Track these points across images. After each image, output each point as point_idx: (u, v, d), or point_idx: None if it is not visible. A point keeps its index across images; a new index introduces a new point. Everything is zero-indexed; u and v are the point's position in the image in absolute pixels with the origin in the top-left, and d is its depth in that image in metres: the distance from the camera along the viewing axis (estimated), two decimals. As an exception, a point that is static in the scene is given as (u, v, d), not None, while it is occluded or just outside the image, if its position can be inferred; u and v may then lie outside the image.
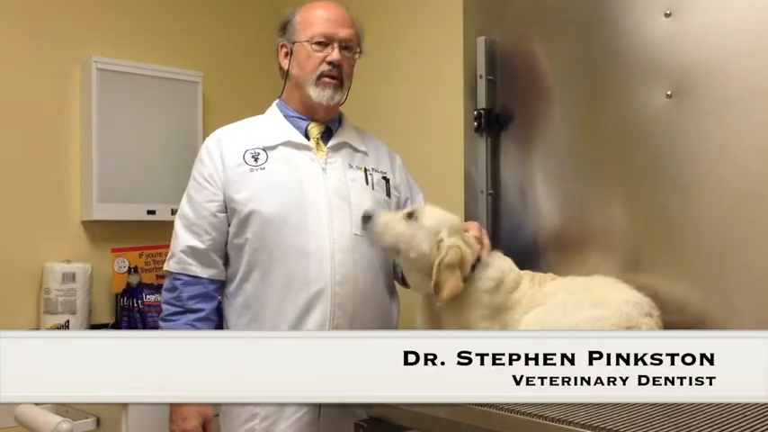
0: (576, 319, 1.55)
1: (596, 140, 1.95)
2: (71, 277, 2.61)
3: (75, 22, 2.80)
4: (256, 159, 1.93)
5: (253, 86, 3.12)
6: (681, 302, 1.72)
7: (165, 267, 1.95)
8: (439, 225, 1.72)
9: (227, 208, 1.92)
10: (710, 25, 1.72)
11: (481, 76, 2.17)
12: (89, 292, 2.67)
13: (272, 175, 1.90)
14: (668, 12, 1.78)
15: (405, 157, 2.20)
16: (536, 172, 2.09)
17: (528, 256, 2.02)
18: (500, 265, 1.76)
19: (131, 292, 2.76)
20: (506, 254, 1.83)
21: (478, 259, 1.73)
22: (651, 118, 1.81)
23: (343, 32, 1.97)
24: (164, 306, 1.93)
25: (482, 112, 2.15)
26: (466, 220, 2.21)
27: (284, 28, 2.03)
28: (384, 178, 2.05)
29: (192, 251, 1.90)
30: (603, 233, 1.92)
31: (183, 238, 1.92)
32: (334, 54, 1.94)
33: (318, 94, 1.95)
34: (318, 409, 1.88)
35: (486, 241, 1.80)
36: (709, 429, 1.23)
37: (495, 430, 1.37)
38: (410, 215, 1.74)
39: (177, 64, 2.97)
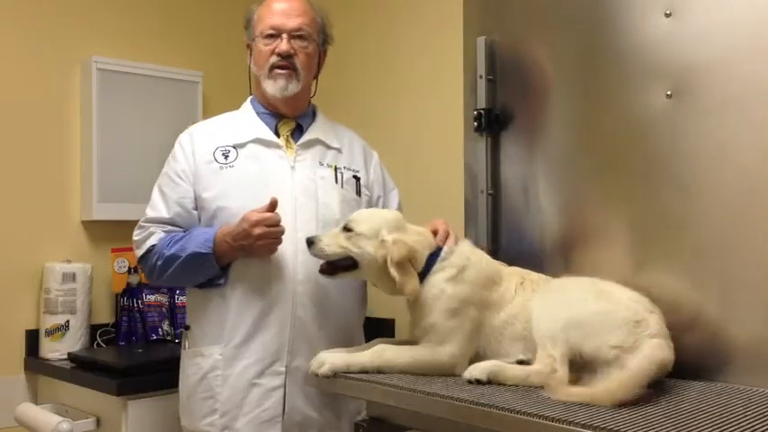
0: (583, 313, 1.54)
1: (596, 140, 1.95)
2: (71, 277, 2.61)
3: (75, 22, 2.80)
4: (226, 157, 1.94)
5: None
6: (681, 302, 1.72)
7: (140, 252, 1.96)
8: (375, 226, 1.71)
9: (197, 205, 1.94)
10: (710, 25, 1.72)
11: (481, 76, 2.17)
12: (89, 292, 2.67)
13: (240, 173, 1.92)
14: (668, 12, 1.78)
15: (405, 156, 2.20)
16: (536, 172, 2.09)
17: (528, 256, 2.02)
18: (463, 251, 1.73)
19: (131, 292, 2.77)
20: (506, 254, 1.83)
21: (438, 250, 1.71)
22: (651, 118, 1.80)
23: (293, 22, 1.96)
24: (160, 264, 1.91)
25: (482, 112, 2.15)
26: (466, 221, 2.22)
27: (247, 26, 2.05)
28: (355, 177, 2.04)
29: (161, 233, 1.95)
30: (603, 233, 1.92)
31: (153, 231, 1.94)
32: (282, 45, 1.94)
33: (272, 87, 1.96)
34: (283, 406, 1.86)
35: (451, 233, 1.77)
36: (709, 429, 1.23)
37: (495, 430, 1.37)
38: (345, 228, 1.73)
39: (177, 64, 2.97)
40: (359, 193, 2.03)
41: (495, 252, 2.04)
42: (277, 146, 1.97)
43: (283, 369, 1.87)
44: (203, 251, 1.84)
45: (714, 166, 1.70)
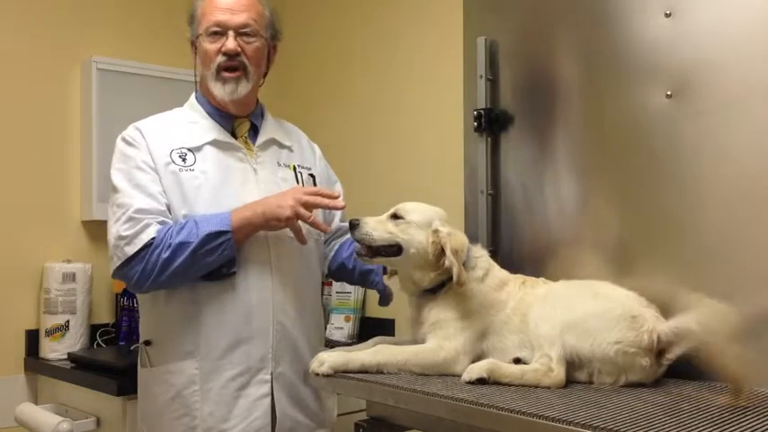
0: (581, 313, 1.56)
1: (596, 140, 1.95)
2: (71, 277, 2.61)
3: (75, 22, 2.80)
4: (184, 160, 1.82)
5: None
6: (680, 302, 1.72)
7: (134, 249, 1.72)
8: (427, 217, 1.73)
9: None
10: (710, 25, 1.72)
11: (481, 76, 2.17)
12: (89, 292, 2.67)
13: (201, 177, 1.81)
14: (668, 12, 1.78)
15: (405, 156, 2.20)
16: (536, 172, 2.09)
17: (527, 256, 2.03)
18: (488, 258, 1.78)
19: (131, 292, 2.76)
20: (506, 254, 1.84)
21: (468, 249, 1.74)
22: (651, 118, 1.81)
23: (238, 18, 1.83)
24: (166, 254, 1.71)
25: (482, 112, 2.15)
26: (466, 221, 2.23)
27: (191, 22, 1.92)
28: (310, 174, 2.01)
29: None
30: (603, 233, 1.92)
31: (149, 223, 1.74)
32: (229, 43, 1.82)
33: (220, 91, 1.86)
34: (272, 414, 1.83)
35: None
36: (709, 429, 1.23)
37: (495, 430, 1.37)
38: (394, 216, 1.74)
39: (177, 64, 2.96)
40: None
41: (494, 252, 2.05)
42: (237, 148, 1.88)
43: (269, 377, 1.82)
44: (220, 229, 1.71)
45: (714, 166, 1.70)
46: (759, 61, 1.63)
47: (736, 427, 1.25)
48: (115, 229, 1.76)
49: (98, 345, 2.74)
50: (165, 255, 1.71)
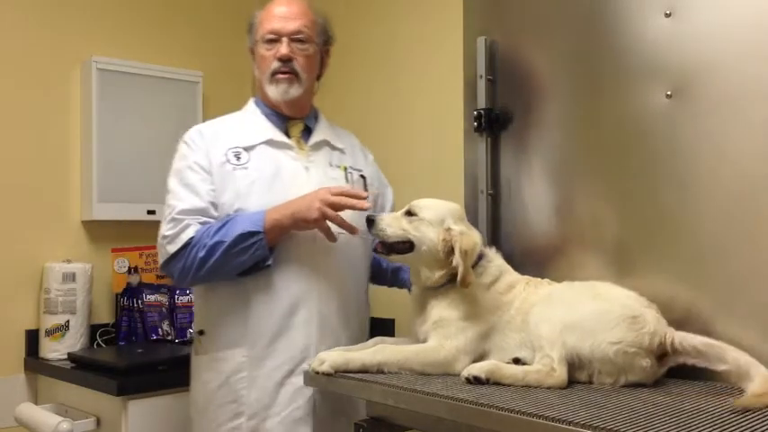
0: (581, 314, 1.57)
1: (596, 141, 1.95)
2: (71, 277, 2.61)
3: (75, 22, 2.81)
4: (239, 158, 1.93)
5: (252, 86, 3.13)
6: (679, 302, 1.72)
7: (175, 248, 1.83)
8: (440, 215, 1.74)
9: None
10: (710, 25, 1.72)
11: (481, 76, 2.17)
12: (89, 292, 2.67)
13: (255, 174, 1.91)
14: (668, 12, 1.78)
15: (405, 156, 2.20)
16: (536, 172, 2.09)
17: (527, 256, 2.02)
18: (500, 264, 1.78)
19: (131, 292, 2.77)
20: (506, 254, 1.84)
21: (482, 253, 1.75)
22: (651, 118, 1.80)
23: (291, 25, 1.96)
24: (202, 253, 1.81)
25: (482, 112, 2.15)
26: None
27: (250, 31, 2.06)
28: (361, 176, 2.08)
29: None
30: (603, 233, 1.92)
31: (189, 224, 1.85)
32: (282, 48, 1.95)
33: (274, 92, 1.97)
34: (313, 405, 1.87)
35: None
36: (709, 429, 1.23)
37: (495, 430, 1.37)
38: (408, 212, 1.76)
39: (177, 64, 2.97)
40: (366, 191, 2.05)
41: (494, 252, 2.05)
42: (289, 147, 1.98)
43: None
44: (253, 229, 1.79)
45: (714, 166, 1.70)
46: (759, 61, 1.63)
47: (737, 427, 1.25)
48: (161, 229, 1.89)
49: (98, 345, 2.74)
50: (201, 254, 1.82)
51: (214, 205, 1.88)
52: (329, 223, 1.82)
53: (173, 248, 1.84)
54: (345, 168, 2.05)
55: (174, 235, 1.85)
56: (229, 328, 1.89)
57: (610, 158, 1.91)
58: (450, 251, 1.68)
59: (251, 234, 1.79)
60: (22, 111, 2.68)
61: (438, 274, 1.71)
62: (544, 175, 2.07)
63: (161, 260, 1.91)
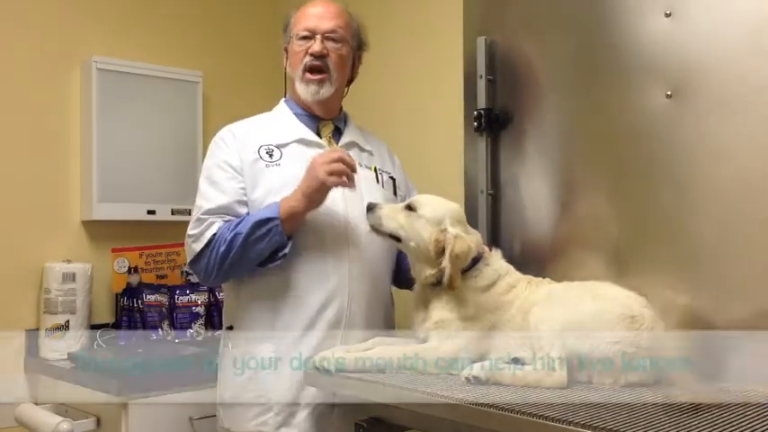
0: (581, 313, 1.57)
1: (596, 140, 1.95)
2: (71, 277, 2.61)
3: (75, 22, 2.80)
4: (271, 155, 1.95)
5: (253, 86, 3.13)
6: (678, 302, 1.72)
7: (200, 246, 1.86)
8: (439, 214, 1.74)
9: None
10: (710, 25, 1.72)
11: (481, 76, 2.17)
12: (89, 292, 2.67)
13: (287, 172, 1.92)
14: (668, 12, 1.78)
15: (405, 156, 2.20)
16: (536, 172, 2.09)
17: (527, 256, 2.03)
18: (499, 267, 1.77)
19: (131, 291, 2.77)
20: (506, 254, 1.84)
21: (479, 256, 1.74)
22: (651, 118, 1.81)
23: (327, 24, 1.98)
24: (223, 249, 1.83)
25: (482, 112, 2.15)
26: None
27: (285, 29, 2.08)
28: (391, 178, 2.10)
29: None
30: (603, 233, 1.92)
31: (212, 222, 1.87)
32: (315, 45, 1.96)
33: (304, 91, 1.99)
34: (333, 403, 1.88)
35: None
36: (709, 429, 1.23)
37: (495, 430, 1.37)
38: (408, 207, 1.76)
39: (177, 64, 2.97)
40: (395, 193, 2.08)
41: (494, 252, 2.04)
42: (320, 146, 1.99)
43: None
44: (268, 216, 1.81)
45: (713, 166, 1.70)
46: (759, 61, 1.63)
47: (736, 427, 1.25)
48: (188, 229, 1.92)
49: (98, 345, 2.73)
50: (222, 248, 1.84)
51: (242, 203, 1.90)
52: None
53: (198, 246, 1.87)
54: (376, 169, 2.06)
55: (198, 233, 1.88)
56: (258, 324, 1.91)
57: (609, 158, 1.91)
58: (441, 252, 1.68)
59: (267, 220, 1.81)
60: (23, 111, 2.68)
61: (428, 272, 1.72)
62: (544, 174, 2.07)
63: (188, 259, 1.94)
